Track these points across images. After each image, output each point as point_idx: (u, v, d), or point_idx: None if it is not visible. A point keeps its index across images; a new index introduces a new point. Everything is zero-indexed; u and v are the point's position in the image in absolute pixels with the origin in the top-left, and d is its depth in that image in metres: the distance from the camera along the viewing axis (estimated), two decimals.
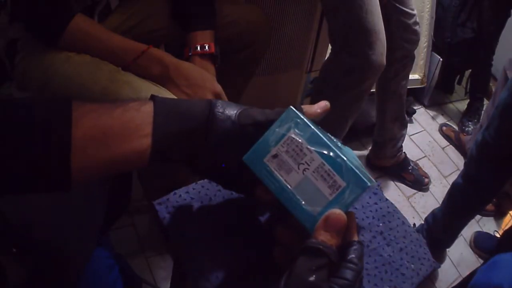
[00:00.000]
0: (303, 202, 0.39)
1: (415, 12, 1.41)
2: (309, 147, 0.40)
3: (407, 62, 1.49)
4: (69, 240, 0.58)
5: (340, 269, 0.36)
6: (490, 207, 1.77)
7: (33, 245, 0.55)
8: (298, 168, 0.40)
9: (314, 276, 0.34)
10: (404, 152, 1.78)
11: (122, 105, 0.39)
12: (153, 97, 0.41)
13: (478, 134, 1.27)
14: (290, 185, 0.40)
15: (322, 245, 0.35)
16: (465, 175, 1.33)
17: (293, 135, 0.40)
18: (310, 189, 0.39)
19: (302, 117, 0.41)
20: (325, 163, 0.39)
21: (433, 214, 1.49)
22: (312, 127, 0.41)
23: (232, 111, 0.41)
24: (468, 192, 1.33)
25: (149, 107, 0.39)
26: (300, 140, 0.40)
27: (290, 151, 0.40)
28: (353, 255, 0.37)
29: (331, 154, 0.40)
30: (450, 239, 1.49)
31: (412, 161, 1.82)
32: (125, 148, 0.38)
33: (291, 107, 0.42)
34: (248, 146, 0.41)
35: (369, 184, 0.39)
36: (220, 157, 0.42)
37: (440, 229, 1.44)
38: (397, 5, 1.36)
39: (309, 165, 0.40)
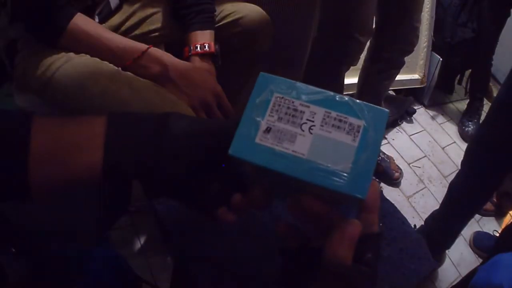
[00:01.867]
0: (328, 165, 0.31)
1: (419, 24, 1.42)
2: (303, 102, 0.33)
3: (394, 65, 1.51)
4: (69, 240, 0.58)
5: (351, 273, 0.32)
6: (490, 207, 1.77)
7: (33, 245, 0.55)
8: (302, 130, 0.32)
9: None
10: None
11: (77, 118, 0.39)
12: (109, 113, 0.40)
13: (476, 130, 1.28)
14: (302, 154, 0.32)
15: (342, 265, 0.31)
16: (462, 172, 1.34)
17: (279, 97, 0.34)
18: (327, 146, 0.32)
19: (278, 77, 0.34)
20: (330, 110, 0.33)
21: (433, 215, 1.49)
22: (295, 81, 0.34)
23: (184, 123, 0.39)
24: (466, 189, 1.33)
25: (102, 119, 0.38)
26: (290, 98, 0.33)
27: (284, 116, 0.33)
28: (370, 254, 0.32)
29: (330, 97, 0.33)
30: (450, 240, 1.49)
31: (384, 153, 1.82)
32: (79, 161, 0.37)
33: (261, 72, 0.35)
34: (204, 160, 0.38)
35: (387, 110, 0.33)
36: (175, 172, 0.39)
37: (440, 231, 1.44)
38: (406, 16, 1.36)
39: (313, 121, 0.33)
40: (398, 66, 1.53)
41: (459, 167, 1.94)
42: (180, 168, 0.38)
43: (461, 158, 2.01)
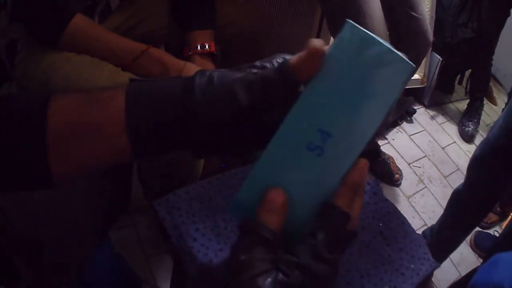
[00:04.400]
0: None
1: (425, 17, 1.38)
2: None
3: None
4: (70, 241, 0.58)
5: (297, 244, 0.33)
6: (495, 218, 1.76)
7: (38, 246, 0.55)
8: None
9: (247, 254, 0.32)
10: (378, 144, 1.78)
11: (96, 98, 0.37)
12: (128, 85, 0.37)
13: (487, 139, 1.25)
14: None
15: (255, 223, 0.33)
16: (467, 179, 1.31)
17: None
18: None
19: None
20: None
21: (431, 228, 1.47)
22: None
23: (207, 84, 0.36)
24: (468, 197, 1.30)
25: (121, 99, 0.36)
26: None
27: None
28: (337, 255, 0.33)
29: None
30: (444, 254, 1.47)
31: (385, 154, 1.82)
32: (102, 146, 0.36)
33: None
34: (231, 122, 0.36)
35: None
36: (211, 134, 0.37)
37: (440, 243, 1.42)
38: (407, 10, 1.32)
39: None
40: (417, 65, 1.48)
41: (459, 167, 1.95)
42: (214, 134, 0.36)
43: (461, 158, 2.02)
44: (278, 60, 0.37)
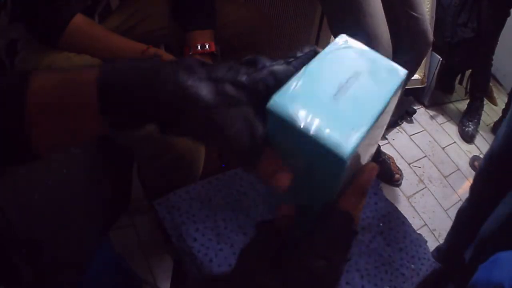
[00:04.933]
0: None
1: (425, 17, 1.37)
2: None
3: (412, 67, 1.46)
4: (70, 241, 0.58)
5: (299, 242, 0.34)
6: None
7: (37, 246, 0.55)
8: None
9: (252, 254, 0.34)
10: (378, 144, 1.78)
11: (71, 78, 0.38)
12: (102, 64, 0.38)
13: (491, 151, 1.22)
14: None
15: (264, 226, 0.36)
16: (471, 196, 1.29)
17: None
18: None
19: None
20: None
21: (438, 249, 1.45)
22: None
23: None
24: (474, 213, 1.27)
25: (95, 79, 0.36)
26: None
27: None
28: (338, 256, 0.33)
29: None
30: (455, 272, 1.45)
31: (385, 154, 1.82)
32: (80, 126, 0.38)
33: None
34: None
35: None
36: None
37: (445, 264, 1.39)
38: (407, 9, 1.32)
39: None
40: (418, 64, 1.47)
41: (459, 167, 1.95)
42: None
43: (461, 158, 2.02)
44: (266, 73, 0.35)
